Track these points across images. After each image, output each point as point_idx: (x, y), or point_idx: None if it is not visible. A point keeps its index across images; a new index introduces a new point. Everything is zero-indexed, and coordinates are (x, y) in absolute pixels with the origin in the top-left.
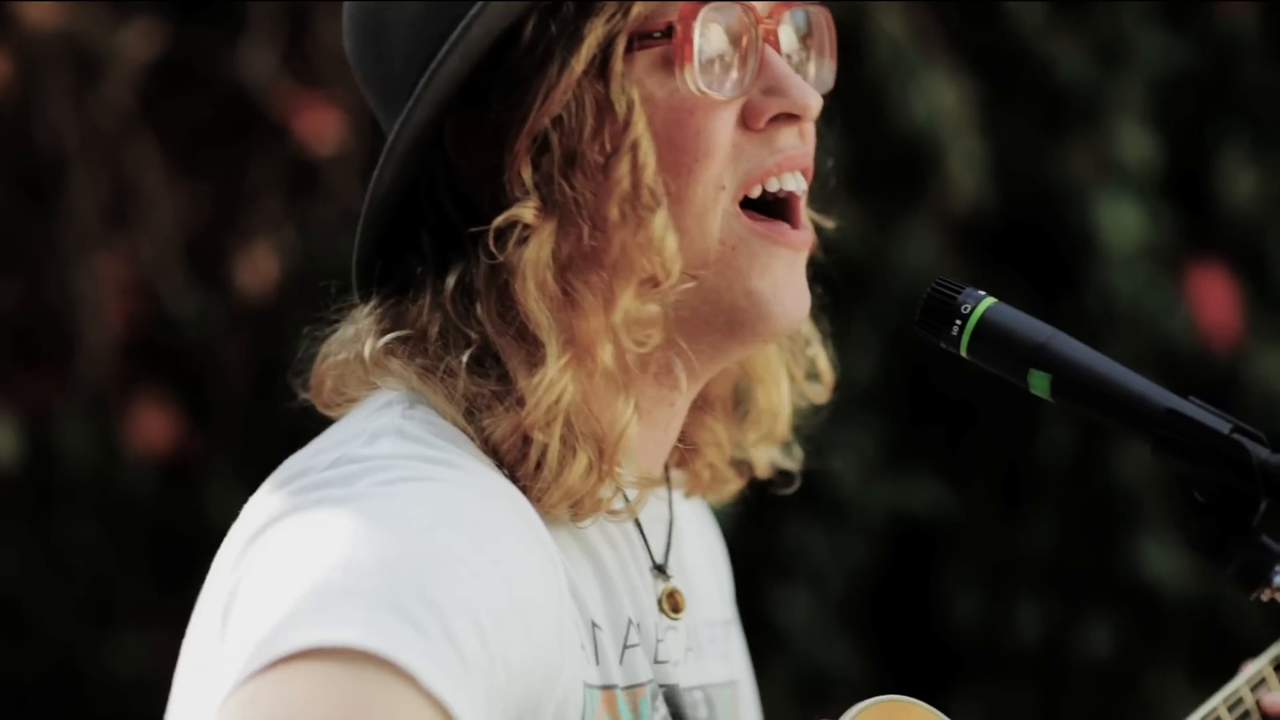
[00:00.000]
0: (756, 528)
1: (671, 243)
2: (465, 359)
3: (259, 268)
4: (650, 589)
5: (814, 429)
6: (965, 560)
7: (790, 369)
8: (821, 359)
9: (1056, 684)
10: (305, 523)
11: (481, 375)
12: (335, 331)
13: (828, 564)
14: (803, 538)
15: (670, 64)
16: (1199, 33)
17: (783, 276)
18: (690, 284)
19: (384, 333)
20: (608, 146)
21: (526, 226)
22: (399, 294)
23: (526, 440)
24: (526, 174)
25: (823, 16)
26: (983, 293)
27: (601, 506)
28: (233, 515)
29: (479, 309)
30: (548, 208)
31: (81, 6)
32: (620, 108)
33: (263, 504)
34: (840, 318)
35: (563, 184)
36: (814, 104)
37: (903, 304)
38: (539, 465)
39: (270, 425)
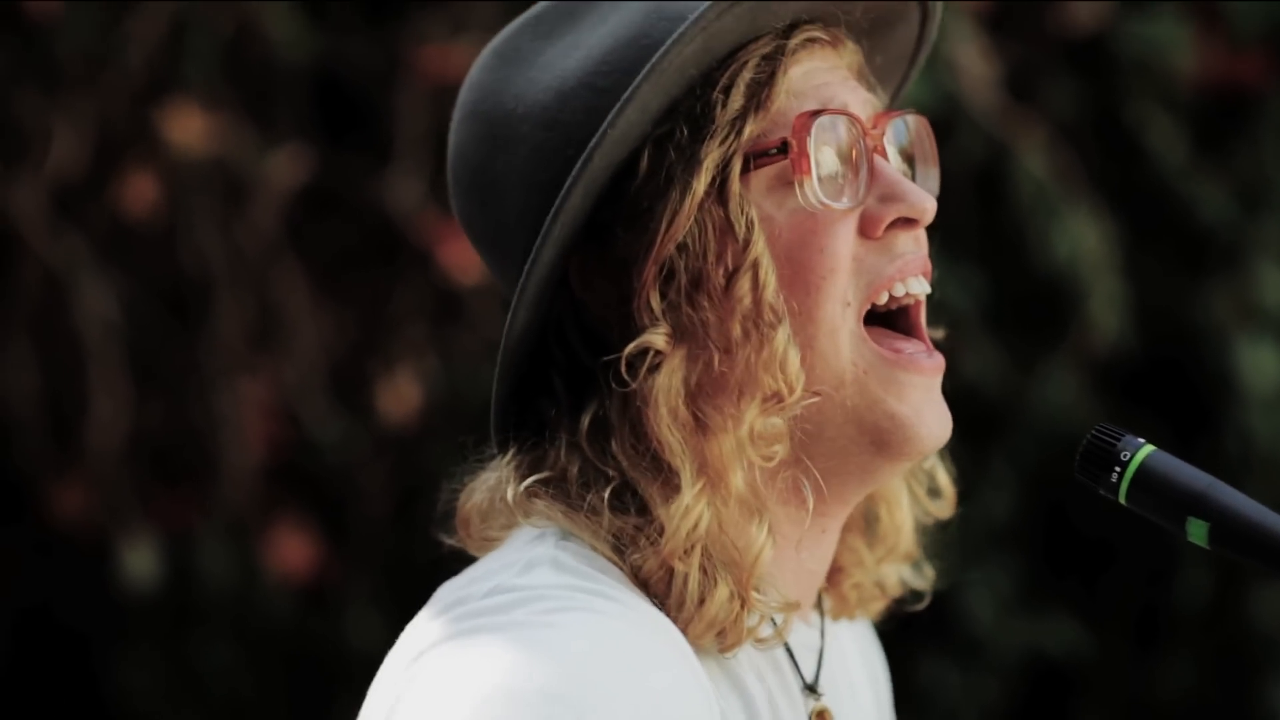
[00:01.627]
0: (891, 663)
1: (794, 359)
2: (606, 495)
3: (401, 395)
4: (801, 711)
5: (952, 567)
6: (1100, 702)
7: (910, 484)
8: (941, 474)
9: None
10: (464, 651)
11: (623, 511)
12: (476, 479)
13: (961, 702)
14: (937, 675)
15: (787, 182)
16: None
17: (922, 401)
18: (814, 399)
19: (524, 477)
20: (730, 267)
21: (658, 353)
22: (535, 438)
23: (670, 572)
24: (655, 301)
25: (921, 125)
26: (1142, 440)
27: (747, 635)
28: (370, 641)
29: (614, 444)
30: (677, 334)
31: (230, 132)
32: (740, 228)
33: (419, 632)
34: (979, 456)
35: (689, 309)
36: (930, 206)
37: (1042, 443)
38: (683, 597)
39: (409, 552)
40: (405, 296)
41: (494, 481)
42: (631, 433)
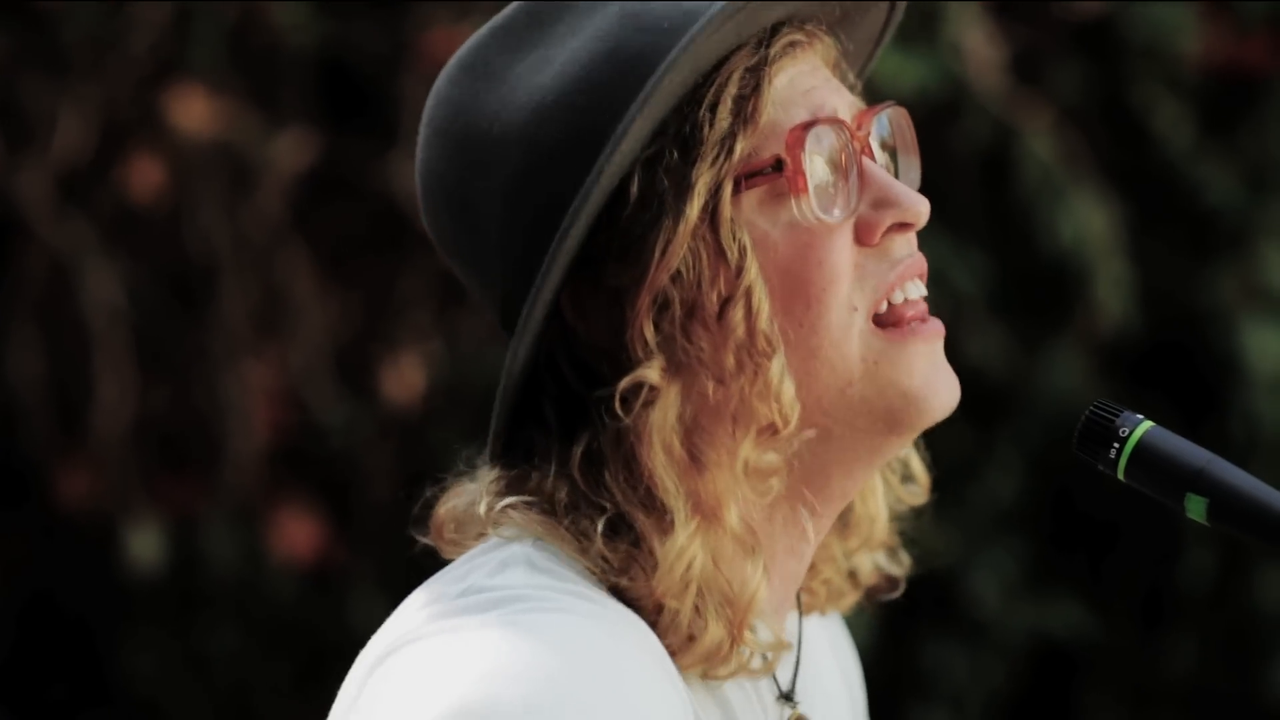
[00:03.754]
0: (896, 647)
1: (789, 389)
2: (600, 525)
3: (406, 378)
4: (776, 719)
5: (957, 549)
6: (1105, 684)
7: (884, 473)
8: (914, 460)
9: None
10: (433, 652)
11: (615, 540)
12: (457, 485)
13: (967, 685)
14: (942, 658)
15: (779, 196)
16: None
17: (929, 369)
18: (810, 433)
19: (501, 495)
20: (723, 294)
21: (652, 388)
22: (523, 463)
23: (660, 607)
24: (649, 333)
25: (901, 116)
26: (1140, 416)
27: (737, 670)
28: (375, 624)
29: (608, 476)
30: (671, 367)
31: (234, 116)
32: (732, 254)
33: (390, 632)
34: (985, 439)
35: (684, 340)
36: (925, 209)
37: (1047, 425)
38: (671, 629)
39: (413, 535)
40: (410, 280)
41: (474, 492)
42: (625, 466)
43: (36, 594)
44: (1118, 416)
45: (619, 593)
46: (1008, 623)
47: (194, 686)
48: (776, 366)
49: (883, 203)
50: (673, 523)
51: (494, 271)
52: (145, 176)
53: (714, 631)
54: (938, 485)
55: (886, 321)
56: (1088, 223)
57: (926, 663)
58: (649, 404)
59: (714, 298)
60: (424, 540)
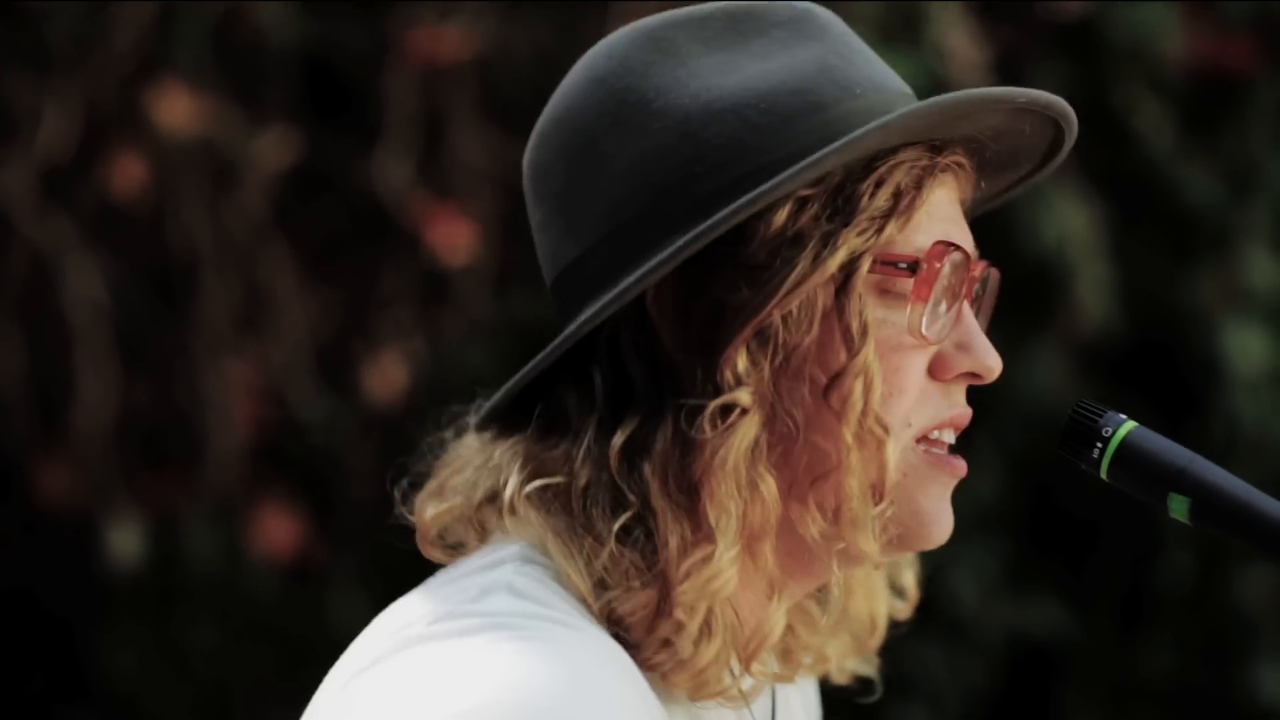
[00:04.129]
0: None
1: (894, 462)
2: (615, 527)
3: (387, 376)
4: None
5: (937, 549)
6: (1084, 683)
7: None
8: (909, 575)
9: None
10: (407, 675)
11: (626, 543)
12: (453, 458)
13: (946, 684)
14: (921, 656)
15: (890, 294)
16: None
17: (939, 498)
18: (890, 507)
19: (526, 474)
20: (830, 363)
21: (743, 412)
22: (551, 428)
23: (657, 616)
24: (743, 361)
25: (996, 281)
26: (1124, 416)
27: (727, 693)
28: (354, 622)
29: (647, 469)
30: (757, 397)
31: (217, 113)
32: (854, 327)
33: (362, 650)
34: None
35: (773, 379)
36: (997, 368)
37: (1028, 425)
38: (668, 643)
39: (393, 533)
40: (392, 278)
41: (480, 461)
42: (676, 470)
43: (16, 590)
44: (1101, 416)
45: (610, 607)
46: (987, 622)
47: (173, 682)
48: (892, 446)
49: (966, 347)
50: (716, 541)
51: (585, 226)
52: (128, 173)
53: (714, 647)
54: None
55: (924, 444)
56: (1069, 223)
57: (905, 662)
58: (732, 428)
59: (817, 360)
60: (404, 517)
